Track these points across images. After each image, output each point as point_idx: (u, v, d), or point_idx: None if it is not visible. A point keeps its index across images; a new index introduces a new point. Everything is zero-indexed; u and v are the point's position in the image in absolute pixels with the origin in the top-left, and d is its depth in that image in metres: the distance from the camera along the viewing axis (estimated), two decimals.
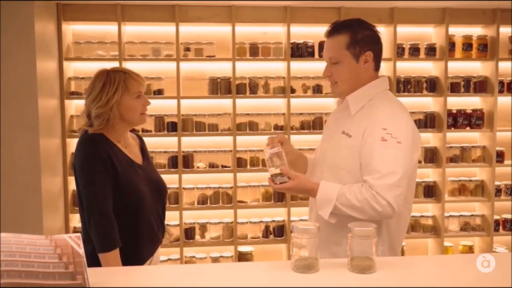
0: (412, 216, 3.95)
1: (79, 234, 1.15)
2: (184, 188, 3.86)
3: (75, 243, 1.12)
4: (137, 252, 1.91)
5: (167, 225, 3.75)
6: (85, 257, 1.14)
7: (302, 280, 1.31)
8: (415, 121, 3.87)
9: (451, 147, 4.05)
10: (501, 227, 4.09)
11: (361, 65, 1.76)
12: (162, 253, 3.00)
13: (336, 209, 1.64)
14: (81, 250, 1.12)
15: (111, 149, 1.88)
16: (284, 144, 1.86)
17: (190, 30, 3.89)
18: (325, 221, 1.70)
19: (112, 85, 1.88)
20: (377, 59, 1.80)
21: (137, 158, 2.02)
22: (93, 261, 1.81)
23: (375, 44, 1.78)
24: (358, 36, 1.74)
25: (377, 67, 1.81)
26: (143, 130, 3.76)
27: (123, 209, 1.86)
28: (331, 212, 1.65)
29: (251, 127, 3.89)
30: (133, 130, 2.15)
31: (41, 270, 1.08)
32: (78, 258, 1.11)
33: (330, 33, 1.80)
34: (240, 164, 3.89)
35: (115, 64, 3.66)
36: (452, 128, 4.01)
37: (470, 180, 4.11)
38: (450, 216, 4.06)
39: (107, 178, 1.83)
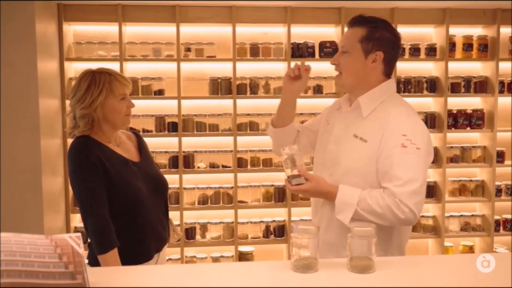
0: None
1: (79, 234, 1.16)
2: (184, 188, 3.86)
3: (75, 243, 1.12)
4: (142, 249, 1.92)
5: (178, 225, 3.76)
6: (85, 257, 1.14)
7: (301, 280, 1.32)
8: None
9: (451, 147, 4.05)
10: (501, 227, 4.09)
11: (368, 63, 1.74)
12: None
13: (356, 214, 1.62)
14: (81, 250, 1.13)
15: (101, 150, 1.88)
16: (304, 78, 1.84)
17: (191, 31, 3.89)
18: (335, 225, 1.69)
19: (96, 86, 1.88)
20: (388, 63, 1.77)
21: (132, 155, 2.01)
22: (98, 263, 1.82)
23: (390, 47, 1.76)
24: (375, 34, 1.73)
25: (387, 72, 1.78)
26: (143, 130, 3.77)
27: (121, 208, 1.87)
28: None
29: (252, 127, 3.89)
30: (131, 128, 2.15)
31: (41, 270, 1.08)
32: (78, 258, 1.11)
33: (351, 23, 1.80)
34: (241, 164, 3.89)
35: (116, 65, 3.67)
36: (453, 128, 4.01)
37: (471, 180, 4.11)
38: (451, 216, 4.06)
39: (99, 180, 1.83)
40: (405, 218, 1.58)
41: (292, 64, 3.80)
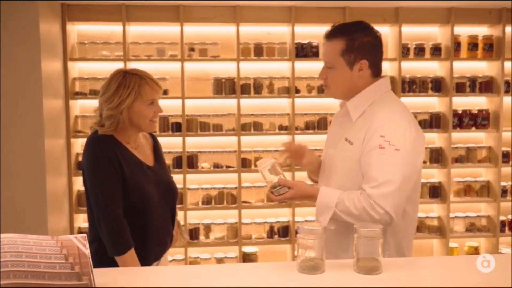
0: (417, 217, 3.93)
1: (84, 235, 1.15)
2: (188, 189, 3.86)
3: (81, 243, 1.12)
4: (144, 254, 1.89)
5: (183, 225, 3.75)
6: (90, 258, 1.14)
7: (308, 281, 1.31)
8: (420, 121, 3.89)
9: (456, 147, 4.03)
10: (507, 228, 4.07)
11: (355, 73, 1.72)
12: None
13: (335, 215, 1.63)
14: (87, 251, 1.12)
15: (119, 150, 1.86)
16: (306, 155, 1.86)
17: (195, 30, 3.89)
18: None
19: (126, 88, 1.84)
20: (375, 66, 1.74)
21: (147, 159, 1.99)
22: (98, 262, 1.80)
23: (373, 51, 1.73)
24: (354, 43, 1.70)
25: (375, 73, 1.76)
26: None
27: (129, 211, 1.85)
28: (330, 218, 1.64)
29: (256, 127, 3.88)
30: None
31: (47, 271, 1.08)
32: (84, 259, 1.11)
33: (328, 36, 1.76)
34: (245, 164, 3.88)
35: (120, 65, 3.67)
36: (458, 128, 4.00)
37: (476, 181, 4.09)
38: (456, 216, 4.04)
39: (115, 179, 1.81)
40: (380, 219, 1.57)
41: (296, 64, 3.82)
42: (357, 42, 1.70)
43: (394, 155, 1.60)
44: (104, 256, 1.82)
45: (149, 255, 1.93)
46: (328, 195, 1.65)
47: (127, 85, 1.85)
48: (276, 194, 1.70)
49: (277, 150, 3.88)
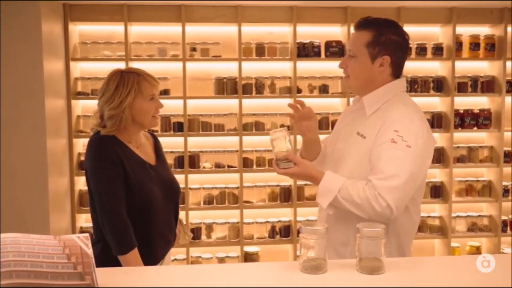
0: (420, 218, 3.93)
1: (87, 234, 1.15)
2: (190, 188, 3.86)
3: (84, 243, 1.12)
4: (149, 253, 1.89)
5: (185, 224, 3.76)
6: (93, 258, 1.14)
7: (310, 281, 1.31)
8: None
9: (458, 147, 4.02)
10: (508, 228, 4.06)
11: (375, 67, 1.73)
12: None
13: (336, 201, 1.63)
14: (89, 251, 1.12)
15: (121, 149, 1.86)
16: (312, 118, 1.83)
17: (196, 30, 3.89)
18: (333, 220, 1.70)
19: (125, 86, 1.85)
20: (396, 66, 1.76)
21: (149, 158, 2.00)
22: (104, 262, 1.81)
23: (397, 50, 1.74)
24: (381, 38, 1.71)
25: (395, 74, 1.77)
26: (149, 130, 3.76)
27: (133, 210, 1.85)
28: (330, 203, 1.64)
29: (257, 127, 3.88)
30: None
31: (50, 271, 1.08)
32: (86, 259, 1.11)
33: (358, 26, 1.77)
34: (246, 164, 3.89)
35: (122, 65, 3.67)
36: (459, 128, 3.99)
37: (477, 181, 4.08)
38: (457, 216, 4.04)
39: (118, 178, 1.82)
40: (381, 212, 1.57)
41: (298, 64, 3.82)
42: (384, 37, 1.72)
43: (405, 151, 1.61)
44: (109, 256, 1.82)
45: (154, 254, 1.93)
46: (333, 180, 1.65)
47: (126, 83, 1.86)
48: (281, 167, 1.69)
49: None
